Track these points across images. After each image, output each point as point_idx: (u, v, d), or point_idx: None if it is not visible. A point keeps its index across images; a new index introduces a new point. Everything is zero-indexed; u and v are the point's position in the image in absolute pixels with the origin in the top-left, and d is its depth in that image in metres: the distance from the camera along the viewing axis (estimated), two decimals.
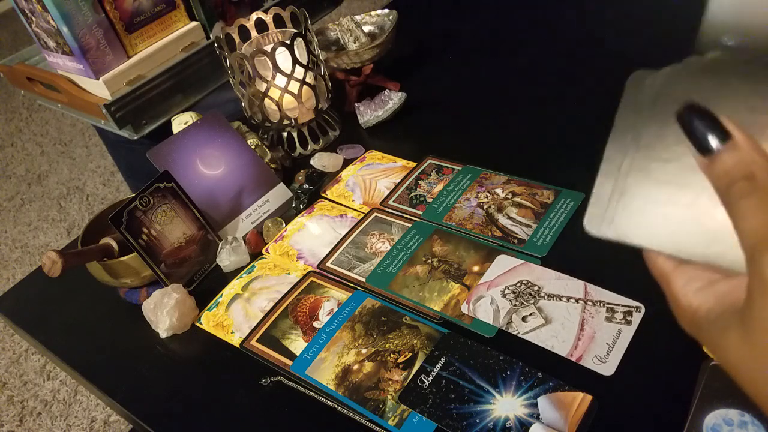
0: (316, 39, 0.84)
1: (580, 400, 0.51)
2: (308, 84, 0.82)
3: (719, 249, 0.26)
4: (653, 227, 0.27)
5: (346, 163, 0.85)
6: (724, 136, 0.23)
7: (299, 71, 0.80)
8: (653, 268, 0.30)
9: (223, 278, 0.72)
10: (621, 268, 0.52)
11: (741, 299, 0.24)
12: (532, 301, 0.59)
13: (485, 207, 0.72)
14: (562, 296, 0.59)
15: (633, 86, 0.26)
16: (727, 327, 0.25)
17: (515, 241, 0.66)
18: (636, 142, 0.27)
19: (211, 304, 0.69)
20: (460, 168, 0.79)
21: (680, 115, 0.24)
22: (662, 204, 0.27)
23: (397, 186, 0.78)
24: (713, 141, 0.24)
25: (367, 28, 0.99)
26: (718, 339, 0.25)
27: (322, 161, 0.85)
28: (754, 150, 0.23)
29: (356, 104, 0.91)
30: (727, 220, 0.24)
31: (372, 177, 0.81)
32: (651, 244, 0.28)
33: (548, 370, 0.53)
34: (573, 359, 0.54)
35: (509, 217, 0.69)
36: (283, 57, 0.78)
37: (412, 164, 0.82)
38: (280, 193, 0.80)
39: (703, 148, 0.24)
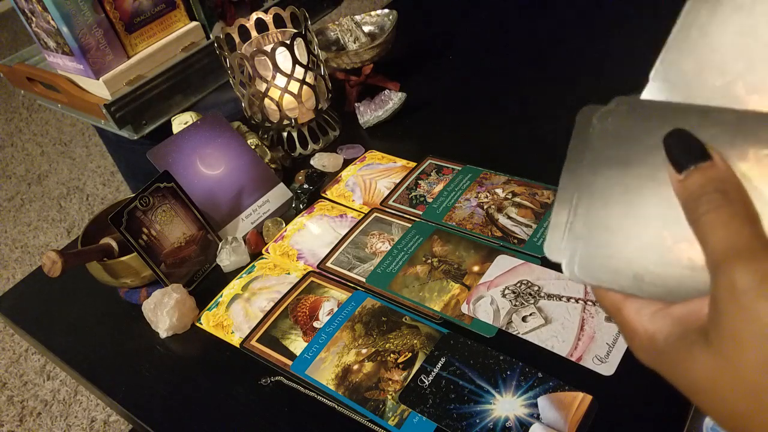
0: (316, 39, 0.84)
1: (580, 400, 0.51)
2: (308, 84, 0.82)
3: (670, 276, 0.26)
4: (597, 267, 0.27)
5: (346, 163, 0.85)
6: (703, 156, 0.24)
7: (299, 71, 0.80)
8: (602, 302, 0.29)
9: (223, 278, 0.72)
10: None
11: (701, 320, 0.24)
12: (532, 301, 0.59)
13: (485, 207, 0.72)
14: (562, 296, 0.59)
15: (582, 121, 0.27)
16: (691, 347, 0.24)
17: (515, 241, 0.66)
18: (582, 184, 0.27)
19: (211, 304, 0.69)
20: (460, 168, 0.79)
21: (666, 138, 0.25)
22: (605, 245, 0.27)
23: (397, 186, 0.78)
24: (691, 159, 0.24)
25: (367, 28, 0.99)
26: (683, 361, 0.24)
27: (322, 161, 0.85)
28: (729, 172, 0.23)
29: (356, 104, 0.91)
30: (676, 255, 0.25)
31: (372, 177, 0.81)
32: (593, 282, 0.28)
33: (548, 370, 0.53)
34: (573, 359, 0.54)
35: (509, 217, 0.69)
36: (283, 57, 0.78)
37: (412, 164, 0.82)
38: (280, 193, 0.80)
39: (680, 165, 0.24)
